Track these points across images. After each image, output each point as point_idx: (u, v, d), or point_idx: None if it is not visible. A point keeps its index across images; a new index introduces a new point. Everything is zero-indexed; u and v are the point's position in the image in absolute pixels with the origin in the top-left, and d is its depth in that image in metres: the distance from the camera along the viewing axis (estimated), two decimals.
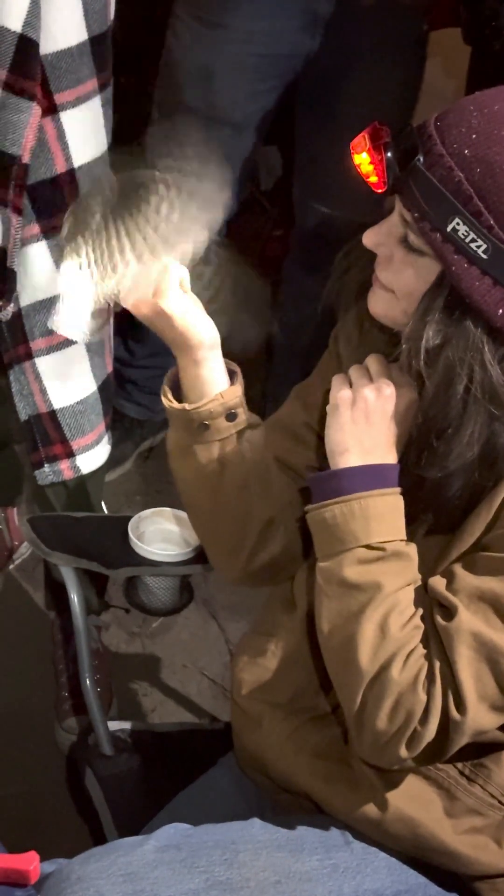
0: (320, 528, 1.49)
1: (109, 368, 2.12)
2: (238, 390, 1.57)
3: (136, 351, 2.84)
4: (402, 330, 1.44)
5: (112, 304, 1.52)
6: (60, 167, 1.87)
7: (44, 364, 2.02)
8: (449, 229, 1.35)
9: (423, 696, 1.41)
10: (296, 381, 1.73)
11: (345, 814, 1.59)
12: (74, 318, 1.55)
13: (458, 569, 1.45)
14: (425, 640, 1.43)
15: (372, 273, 1.48)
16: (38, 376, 2.02)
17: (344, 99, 2.46)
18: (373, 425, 1.48)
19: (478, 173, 1.34)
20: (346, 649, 1.44)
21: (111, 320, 2.06)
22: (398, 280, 1.44)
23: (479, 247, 1.35)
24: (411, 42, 2.50)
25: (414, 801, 1.55)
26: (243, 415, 1.58)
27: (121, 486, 2.91)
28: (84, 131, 1.88)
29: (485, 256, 1.35)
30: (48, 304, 1.96)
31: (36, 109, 1.79)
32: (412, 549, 1.48)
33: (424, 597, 1.47)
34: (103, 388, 2.10)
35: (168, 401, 1.58)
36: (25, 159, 1.81)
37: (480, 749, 1.54)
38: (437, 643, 1.43)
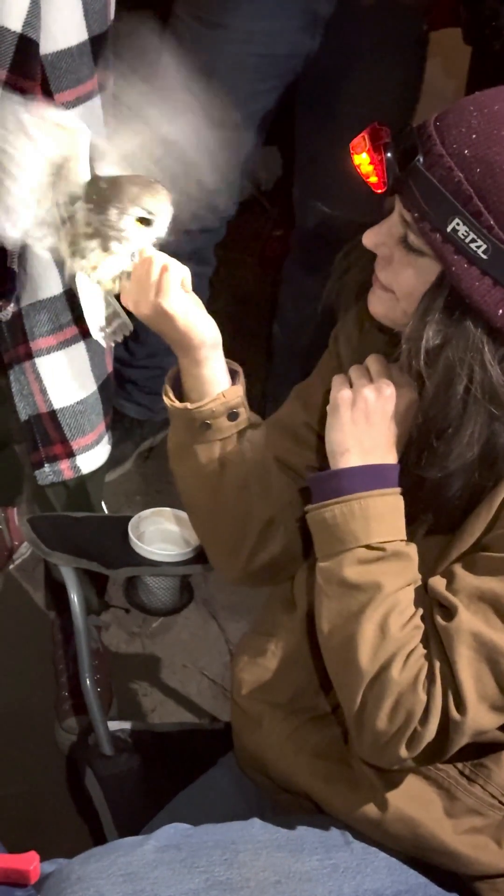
0: (320, 528, 1.49)
1: (109, 368, 2.12)
2: (240, 390, 1.57)
3: (136, 351, 2.84)
4: (402, 330, 1.44)
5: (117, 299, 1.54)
6: None
7: (44, 364, 2.01)
8: (449, 229, 1.35)
9: (423, 696, 1.41)
10: (296, 381, 1.73)
11: (345, 814, 1.59)
12: (96, 323, 1.58)
13: (458, 569, 1.45)
14: (425, 641, 1.43)
15: (372, 273, 1.48)
16: (38, 376, 2.02)
17: (344, 99, 2.46)
18: (373, 425, 1.48)
19: (478, 173, 1.34)
20: (346, 649, 1.44)
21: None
22: (398, 280, 1.44)
23: (479, 247, 1.35)
24: (411, 42, 2.50)
25: (414, 801, 1.55)
26: (245, 414, 1.58)
27: (121, 486, 2.91)
28: None
29: (485, 257, 1.35)
30: (48, 304, 1.96)
31: None
32: (412, 550, 1.48)
33: (424, 597, 1.47)
34: (103, 388, 2.10)
35: (170, 400, 1.58)
36: None
37: (480, 749, 1.54)
38: (437, 643, 1.43)
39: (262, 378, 2.95)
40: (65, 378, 2.03)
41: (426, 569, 1.48)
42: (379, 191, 1.41)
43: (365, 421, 1.48)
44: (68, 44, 1.80)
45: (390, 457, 1.48)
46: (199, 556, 1.89)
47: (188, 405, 1.55)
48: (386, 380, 1.49)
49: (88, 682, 1.99)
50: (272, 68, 2.45)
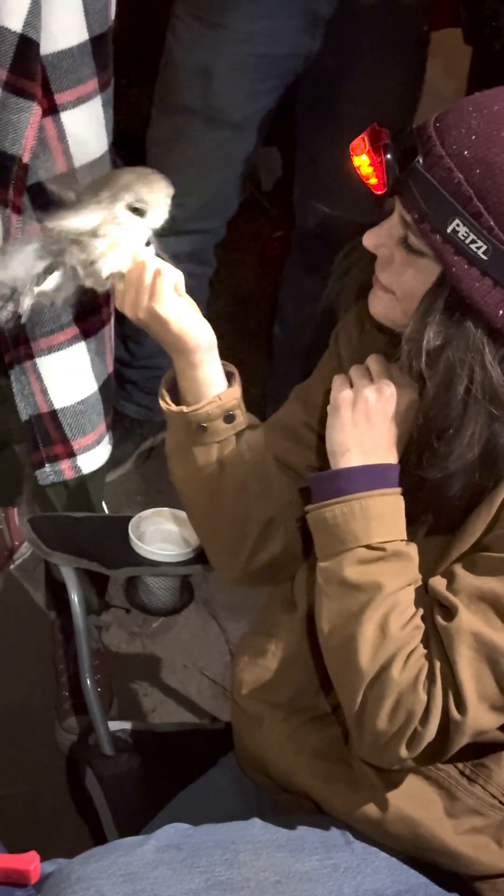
0: (321, 528, 1.49)
1: (110, 368, 2.12)
2: (236, 392, 1.57)
3: (136, 352, 2.84)
4: (402, 331, 1.44)
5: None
6: (61, 167, 1.87)
7: (45, 364, 2.01)
8: (449, 230, 1.35)
9: (423, 697, 1.41)
10: (296, 381, 1.73)
11: (345, 814, 1.59)
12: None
13: (459, 569, 1.45)
14: (426, 641, 1.44)
15: (372, 274, 1.48)
16: (39, 376, 2.02)
17: (344, 99, 2.46)
18: (373, 426, 1.48)
19: (477, 174, 1.34)
20: (347, 649, 1.44)
21: (112, 321, 2.07)
22: (398, 281, 1.44)
23: (479, 248, 1.35)
24: (412, 42, 2.50)
25: (414, 801, 1.55)
26: (241, 416, 1.58)
27: (121, 486, 2.91)
28: (85, 131, 1.87)
29: (485, 257, 1.35)
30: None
31: (36, 109, 1.79)
32: (413, 550, 1.48)
33: (425, 597, 1.47)
34: (104, 388, 2.10)
35: (166, 403, 1.58)
36: (26, 159, 1.81)
37: (481, 749, 1.54)
38: (437, 643, 1.43)
39: (263, 378, 2.95)
40: (66, 378, 2.04)
41: (426, 569, 1.49)
42: (379, 192, 1.41)
43: (365, 421, 1.48)
44: (69, 44, 1.80)
45: (391, 457, 1.48)
46: (199, 556, 1.89)
47: (184, 408, 1.56)
48: (386, 380, 1.49)
49: (89, 682, 1.99)
50: (272, 68, 2.45)
